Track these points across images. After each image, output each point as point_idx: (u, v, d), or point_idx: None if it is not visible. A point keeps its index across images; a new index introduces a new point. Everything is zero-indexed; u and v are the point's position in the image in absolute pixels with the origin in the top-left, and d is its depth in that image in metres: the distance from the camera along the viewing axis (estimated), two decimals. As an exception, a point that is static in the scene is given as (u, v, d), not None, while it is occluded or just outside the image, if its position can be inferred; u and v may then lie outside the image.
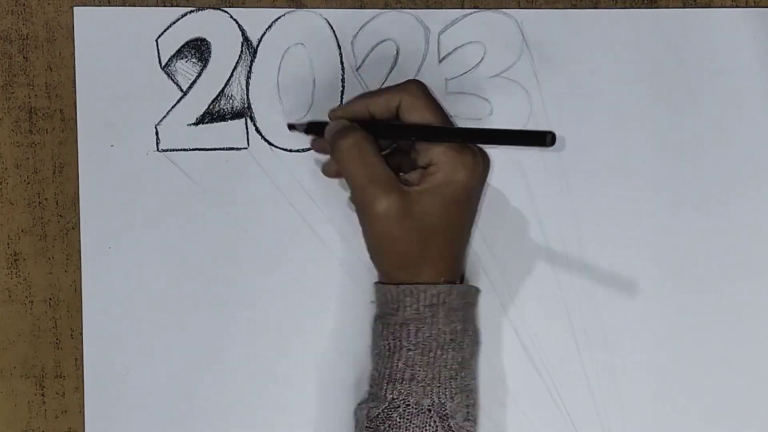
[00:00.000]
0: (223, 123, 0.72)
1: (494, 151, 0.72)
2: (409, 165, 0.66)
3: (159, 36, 0.72)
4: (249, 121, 0.72)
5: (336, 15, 0.72)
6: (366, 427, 0.64)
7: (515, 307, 0.73)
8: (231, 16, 0.72)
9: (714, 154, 0.73)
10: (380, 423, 0.64)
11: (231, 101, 0.72)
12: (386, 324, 0.65)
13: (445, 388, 0.64)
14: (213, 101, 0.72)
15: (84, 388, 0.72)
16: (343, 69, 0.72)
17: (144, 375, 0.72)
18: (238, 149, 0.72)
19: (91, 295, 0.72)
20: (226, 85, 0.72)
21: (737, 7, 0.72)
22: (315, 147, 0.71)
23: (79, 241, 0.72)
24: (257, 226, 0.72)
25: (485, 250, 0.73)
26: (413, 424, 0.63)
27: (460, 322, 0.65)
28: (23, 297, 0.73)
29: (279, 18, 0.72)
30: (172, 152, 0.72)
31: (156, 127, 0.72)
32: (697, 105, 0.73)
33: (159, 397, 0.72)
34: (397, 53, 0.72)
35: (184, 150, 0.72)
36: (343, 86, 0.72)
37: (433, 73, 0.72)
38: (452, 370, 0.65)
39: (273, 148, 0.72)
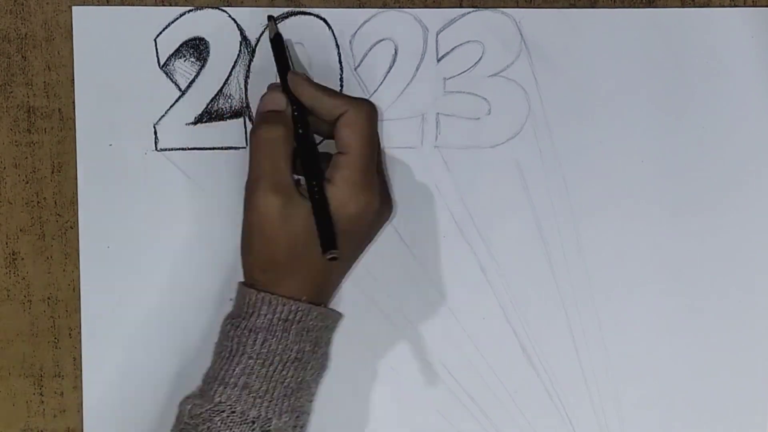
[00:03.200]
0: (221, 122, 0.72)
1: (492, 151, 0.72)
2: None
3: (157, 35, 0.72)
4: (247, 120, 0.72)
5: (334, 14, 0.72)
6: (185, 423, 0.63)
7: (513, 306, 0.73)
8: (229, 16, 0.72)
9: (712, 153, 0.73)
10: (200, 423, 0.63)
11: (229, 100, 0.72)
12: (235, 326, 0.64)
13: (276, 405, 0.63)
14: (211, 100, 0.72)
15: (82, 388, 0.72)
16: (341, 68, 0.72)
17: (142, 374, 0.72)
18: (236, 148, 0.72)
19: (89, 294, 0.72)
20: (224, 84, 0.72)
21: (735, 6, 0.72)
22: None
23: (78, 240, 0.72)
24: (255, 225, 0.72)
25: (484, 250, 0.73)
26: None
27: (310, 343, 0.65)
28: (22, 296, 0.73)
29: (277, 17, 0.72)
30: (171, 151, 0.72)
31: (154, 127, 0.72)
32: (696, 104, 0.73)
33: (157, 396, 0.72)
34: (396, 52, 0.72)
35: (183, 149, 0.72)
36: (341, 85, 0.72)
37: (431, 73, 0.72)
38: (289, 388, 0.64)
39: (271, 147, 0.72)
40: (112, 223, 0.72)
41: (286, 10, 0.72)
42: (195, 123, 0.72)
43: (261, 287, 0.64)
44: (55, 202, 0.72)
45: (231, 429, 0.62)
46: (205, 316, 0.72)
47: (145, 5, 0.72)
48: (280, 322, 0.63)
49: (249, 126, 0.72)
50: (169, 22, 0.72)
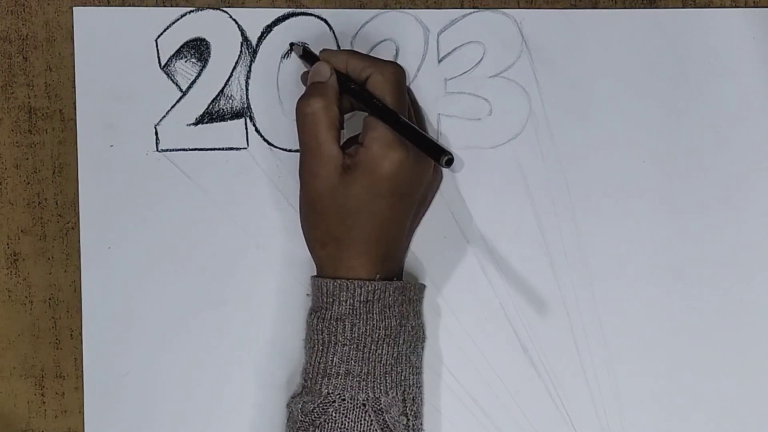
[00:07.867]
0: (222, 123, 0.72)
1: (494, 151, 0.72)
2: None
3: (158, 36, 0.72)
4: (248, 121, 0.72)
5: (335, 15, 0.72)
6: (301, 421, 0.65)
7: (514, 306, 0.73)
8: (230, 16, 0.72)
9: (713, 154, 0.73)
10: (316, 417, 0.64)
11: (230, 101, 0.72)
12: (321, 318, 0.65)
13: (380, 383, 0.65)
14: (212, 101, 0.72)
15: (83, 388, 0.72)
16: (342, 69, 0.72)
17: (143, 375, 0.72)
18: (237, 149, 0.72)
19: (90, 295, 0.72)
20: (225, 85, 0.72)
21: (737, 7, 0.72)
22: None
23: (79, 241, 0.72)
24: (256, 226, 0.72)
25: (485, 250, 0.73)
26: (348, 418, 0.64)
27: (395, 318, 0.66)
28: (23, 297, 0.73)
29: (278, 18, 0.72)
30: (172, 152, 0.72)
31: (155, 127, 0.72)
32: (697, 105, 0.73)
33: (158, 396, 0.72)
34: (397, 53, 0.72)
35: (184, 150, 0.72)
36: (342, 86, 0.72)
37: (432, 73, 0.72)
38: (387, 365, 0.65)
39: (272, 148, 0.72)
40: (113, 224, 0.72)
41: (287, 10, 0.72)
42: (196, 124, 0.72)
43: (329, 271, 0.66)
44: (56, 203, 0.72)
45: (345, 416, 0.64)
46: (206, 317, 0.72)
47: (146, 6, 0.72)
48: (361, 305, 0.65)
49: (250, 127, 0.72)
50: (170, 22, 0.72)
